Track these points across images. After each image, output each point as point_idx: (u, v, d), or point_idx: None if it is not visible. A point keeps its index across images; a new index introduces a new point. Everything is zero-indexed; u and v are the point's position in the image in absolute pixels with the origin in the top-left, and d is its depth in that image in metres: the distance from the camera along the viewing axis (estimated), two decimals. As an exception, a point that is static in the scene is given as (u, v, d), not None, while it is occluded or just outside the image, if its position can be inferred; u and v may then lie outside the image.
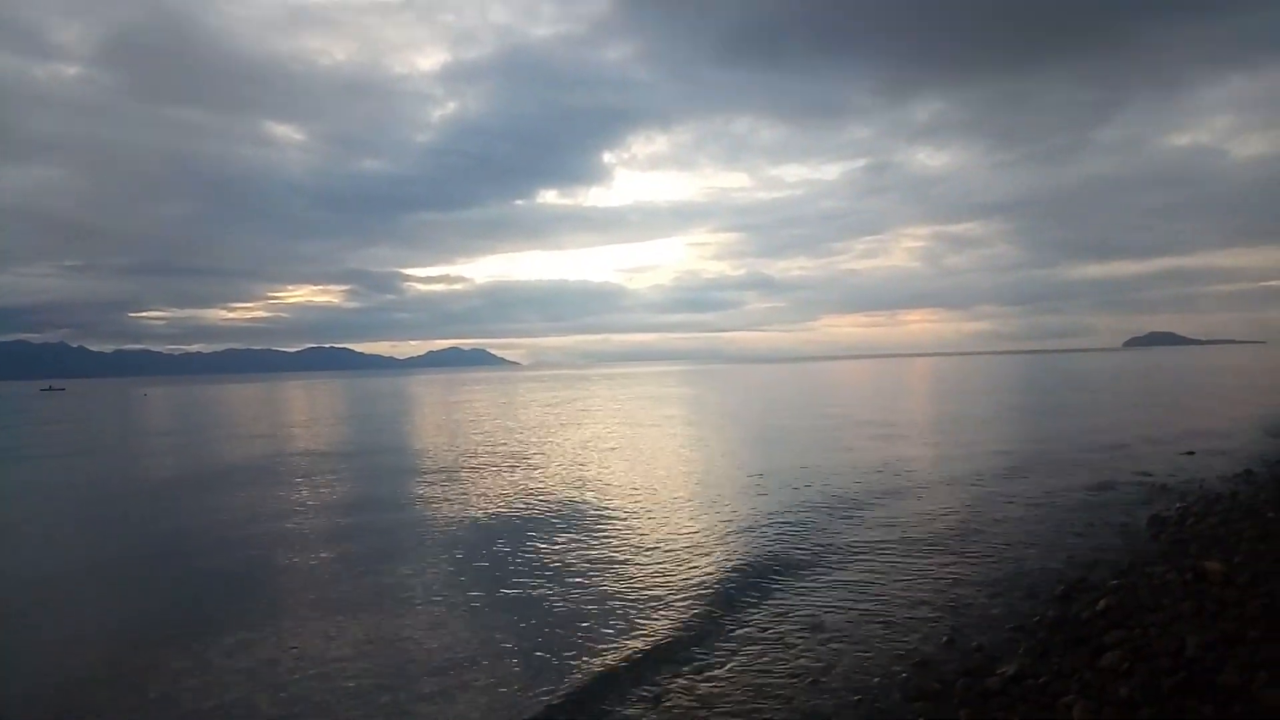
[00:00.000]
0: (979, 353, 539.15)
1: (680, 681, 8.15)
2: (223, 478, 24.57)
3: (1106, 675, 7.19)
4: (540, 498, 18.67)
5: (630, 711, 7.60)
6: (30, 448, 38.84)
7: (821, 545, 13.37)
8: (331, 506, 18.83)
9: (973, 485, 18.54)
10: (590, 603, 10.78)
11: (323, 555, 14.19)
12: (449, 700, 8.00)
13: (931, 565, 11.98)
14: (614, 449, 28.18)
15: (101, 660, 9.51)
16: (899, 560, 12.33)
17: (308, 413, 60.29)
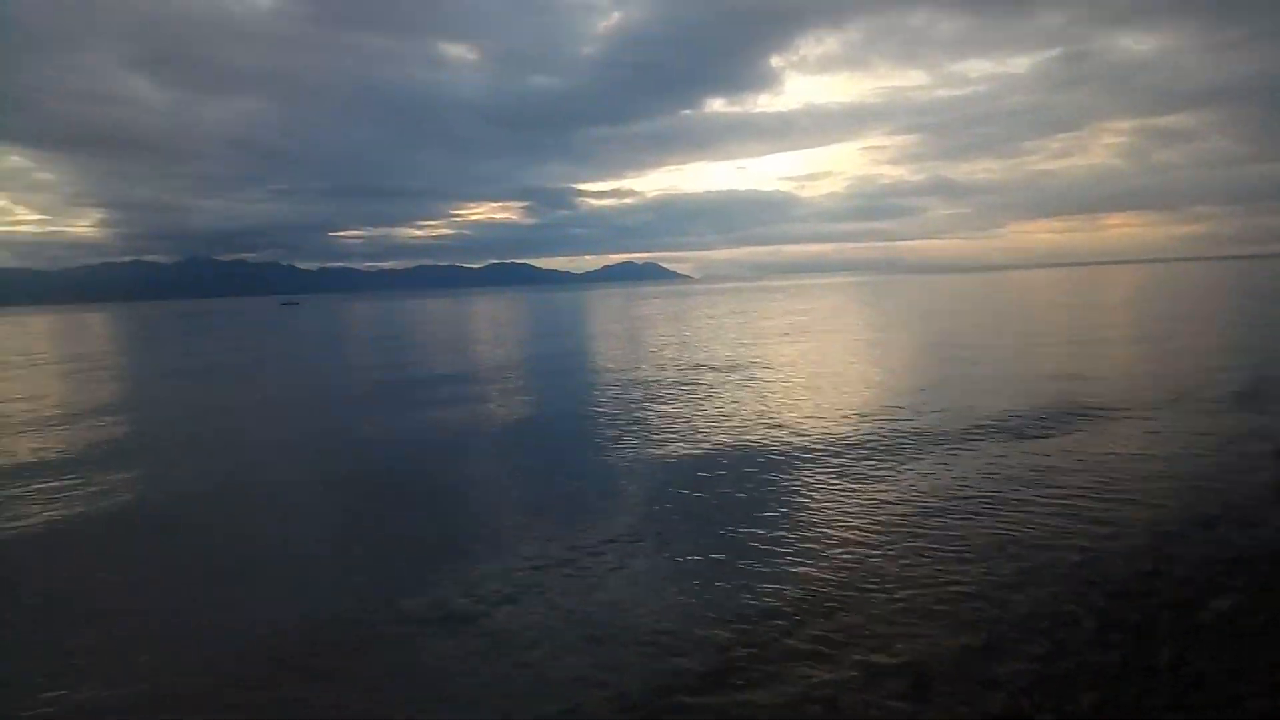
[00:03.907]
0: (1193, 259, 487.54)
1: (878, 598, 8.05)
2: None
3: (1343, 617, 6.48)
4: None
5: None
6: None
7: (1016, 465, 12.68)
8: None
9: (1191, 411, 16.90)
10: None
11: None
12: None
13: (1133, 491, 11.10)
14: (827, 369, 27.78)
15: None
16: (1094, 483, 11.48)
17: (518, 325, 63.32)
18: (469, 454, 15.52)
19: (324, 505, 12.42)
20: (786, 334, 39.81)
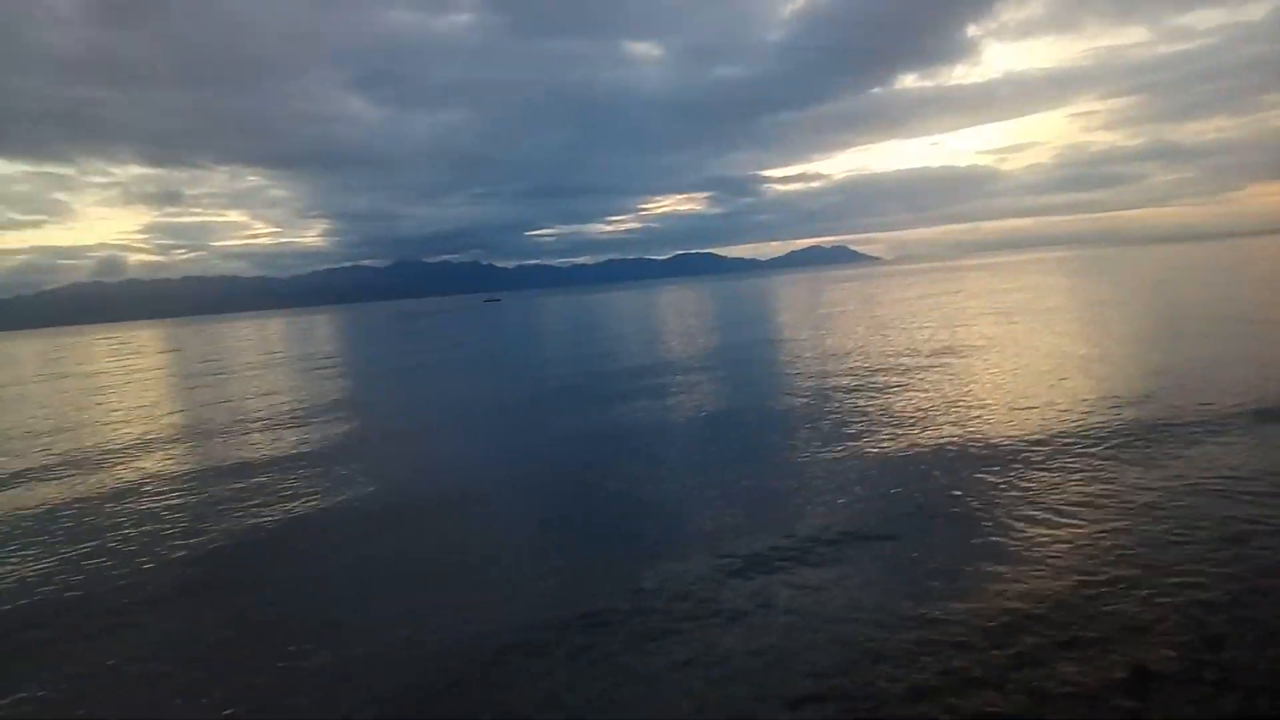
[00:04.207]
0: None
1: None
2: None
3: None
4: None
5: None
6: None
7: (1267, 456, 11.41)
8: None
9: None
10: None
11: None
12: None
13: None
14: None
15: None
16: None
17: (704, 315, 64.01)
18: (668, 447, 15.54)
19: (532, 499, 12.89)
20: (990, 315, 37.28)
